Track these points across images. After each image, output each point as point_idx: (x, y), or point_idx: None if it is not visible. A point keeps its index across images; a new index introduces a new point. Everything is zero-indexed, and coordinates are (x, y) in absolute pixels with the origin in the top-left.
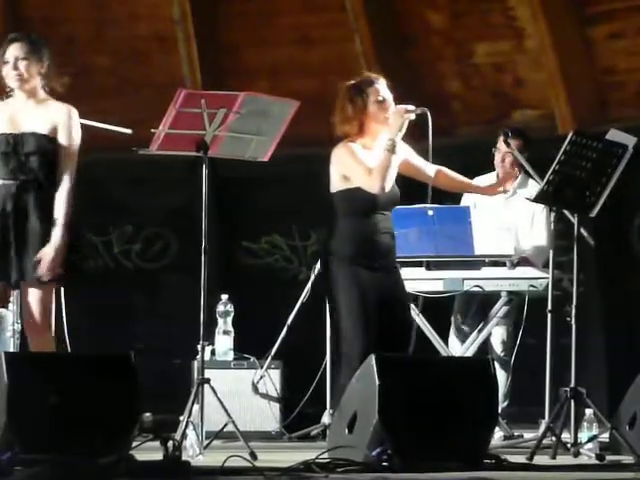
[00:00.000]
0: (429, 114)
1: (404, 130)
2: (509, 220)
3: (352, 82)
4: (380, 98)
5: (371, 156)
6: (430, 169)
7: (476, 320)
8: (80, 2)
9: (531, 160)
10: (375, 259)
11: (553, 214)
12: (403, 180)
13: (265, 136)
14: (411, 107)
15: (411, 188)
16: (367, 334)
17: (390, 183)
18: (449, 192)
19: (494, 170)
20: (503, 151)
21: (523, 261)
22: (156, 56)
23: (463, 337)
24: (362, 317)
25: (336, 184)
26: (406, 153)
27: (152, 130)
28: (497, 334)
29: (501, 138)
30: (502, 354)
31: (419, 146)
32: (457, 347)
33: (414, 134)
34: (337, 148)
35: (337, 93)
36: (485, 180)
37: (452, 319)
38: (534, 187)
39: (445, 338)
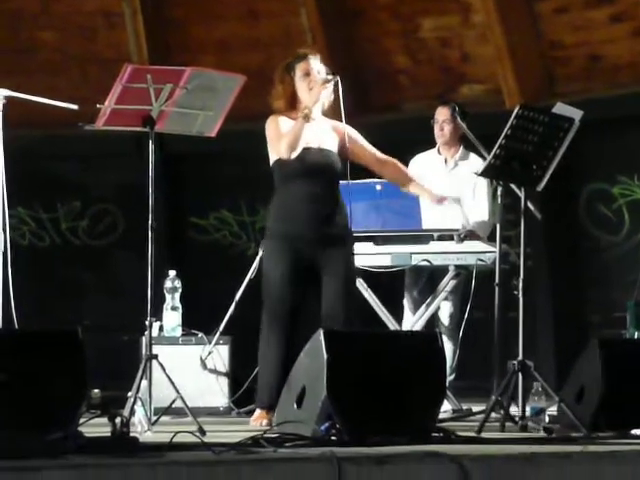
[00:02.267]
0: (339, 81)
1: (326, 100)
2: (454, 193)
3: (285, 61)
4: (305, 72)
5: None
6: (380, 157)
7: (425, 294)
8: None
9: (478, 134)
10: (304, 228)
11: (500, 188)
12: None
13: (212, 111)
14: (328, 76)
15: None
16: (279, 320)
17: (298, 148)
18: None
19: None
20: (440, 121)
21: (470, 234)
22: (102, 32)
23: (416, 311)
24: (279, 298)
25: (270, 157)
26: (352, 136)
27: (98, 106)
28: (445, 308)
29: (438, 110)
30: (450, 327)
31: (359, 121)
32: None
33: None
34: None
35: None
36: (426, 159)
37: (405, 294)
38: (475, 160)
39: (395, 312)
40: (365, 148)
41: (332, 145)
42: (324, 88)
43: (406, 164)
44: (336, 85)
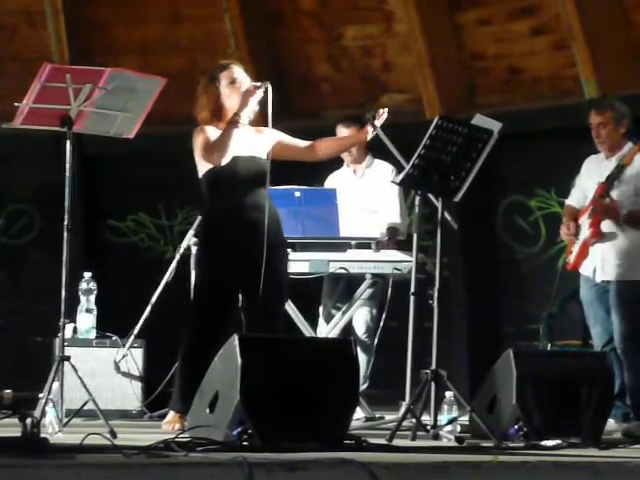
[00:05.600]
0: (269, 87)
1: (255, 107)
2: (366, 201)
3: (209, 73)
4: (231, 80)
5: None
6: (306, 144)
7: (343, 302)
8: None
9: (399, 144)
10: (238, 236)
11: (418, 198)
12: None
13: (131, 113)
14: (258, 83)
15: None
16: (206, 323)
17: (229, 154)
18: (314, 175)
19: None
20: None
21: (392, 232)
22: (24, 31)
23: (331, 319)
24: (205, 304)
25: (199, 169)
26: (279, 136)
27: (16, 104)
28: (360, 316)
29: (342, 130)
30: (364, 336)
31: (283, 125)
32: (325, 331)
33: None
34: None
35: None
36: (337, 175)
37: (322, 301)
38: (380, 165)
39: (311, 319)
40: (294, 143)
41: (262, 151)
42: (253, 94)
43: (324, 178)
44: (266, 91)
